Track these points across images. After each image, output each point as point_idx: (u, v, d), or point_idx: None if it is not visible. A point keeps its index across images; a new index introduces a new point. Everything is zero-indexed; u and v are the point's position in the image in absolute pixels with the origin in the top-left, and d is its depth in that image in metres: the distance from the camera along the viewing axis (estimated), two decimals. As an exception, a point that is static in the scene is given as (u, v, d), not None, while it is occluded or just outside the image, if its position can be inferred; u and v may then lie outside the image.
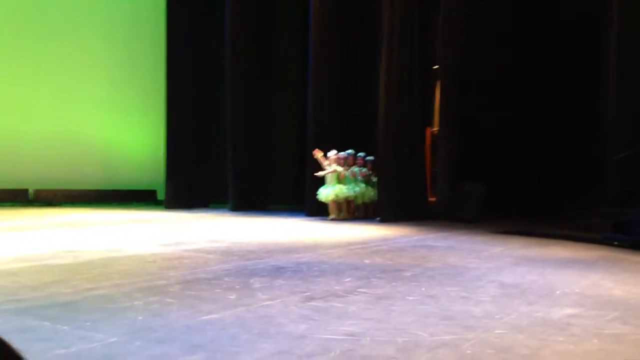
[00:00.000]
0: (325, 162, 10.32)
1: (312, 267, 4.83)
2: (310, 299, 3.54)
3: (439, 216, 10.46)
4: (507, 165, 11.52)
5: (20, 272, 4.30)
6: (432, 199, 11.91)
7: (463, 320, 3.08)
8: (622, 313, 3.31)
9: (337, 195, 10.21)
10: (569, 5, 11.67)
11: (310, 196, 10.79)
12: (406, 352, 2.50)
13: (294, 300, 3.48)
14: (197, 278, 4.17)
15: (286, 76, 14.24)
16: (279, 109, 14.04)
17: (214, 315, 3.07)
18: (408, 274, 4.54)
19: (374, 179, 10.71)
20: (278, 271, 4.54)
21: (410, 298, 3.62)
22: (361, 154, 10.72)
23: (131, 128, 15.82)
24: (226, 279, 4.17)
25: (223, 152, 13.05)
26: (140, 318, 2.99)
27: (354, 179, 10.47)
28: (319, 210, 10.51)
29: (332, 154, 10.32)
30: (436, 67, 11.99)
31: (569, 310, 3.34)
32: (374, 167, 10.74)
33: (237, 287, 3.87)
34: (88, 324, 2.86)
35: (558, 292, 3.93)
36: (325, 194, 10.29)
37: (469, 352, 2.51)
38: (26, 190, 13.98)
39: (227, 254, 5.52)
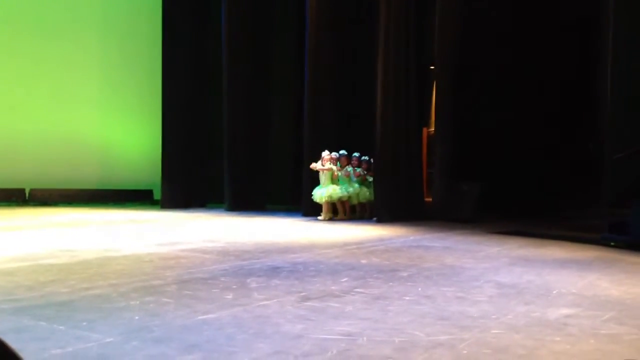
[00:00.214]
0: (318, 164, 10.30)
1: (308, 267, 4.82)
2: (307, 299, 3.53)
3: (436, 216, 10.47)
4: (503, 166, 11.53)
5: (17, 272, 4.29)
6: (429, 199, 11.92)
7: (459, 320, 3.08)
8: (618, 313, 3.32)
9: (330, 196, 10.19)
10: (568, 5, 11.70)
11: (307, 196, 10.78)
12: (403, 352, 2.50)
13: (291, 300, 3.47)
14: (194, 278, 4.16)
15: (283, 76, 14.23)
16: (275, 108, 14.03)
17: (210, 315, 3.07)
18: (404, 274, 4.54)
19: (369, 179, 10.70)
20: (274, 271, 4.54)
21: (407, 298, 3.62)
22: (356, 154, 10.68)
23: (127, 128, 15.79)
24: (223, 278, 4.16)
25: (219, 152, 13.04)
26: (136, 318, 2.99)
27: (348, 179, 10.45)
28: (316, 211, 10.50)
29: (325, 154, 10.29)
30: (433, 67, 12.00)
31: (565, 311, 3.35)
32: (369, 167, 10.74)
33: (234, 287, 3.86)
34: (84, 323, 2.85)
35: (555, 292, 3.93)
36: (320, 194, 10.26)
37: (465, 352, 2.51)
38: (23, 190, 13.95)
39: (224, 254, 5.52)
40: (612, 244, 6.88)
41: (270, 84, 13.80)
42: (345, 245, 6.49)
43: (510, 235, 7.93)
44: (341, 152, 10.52)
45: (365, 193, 10.60)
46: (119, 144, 15.62)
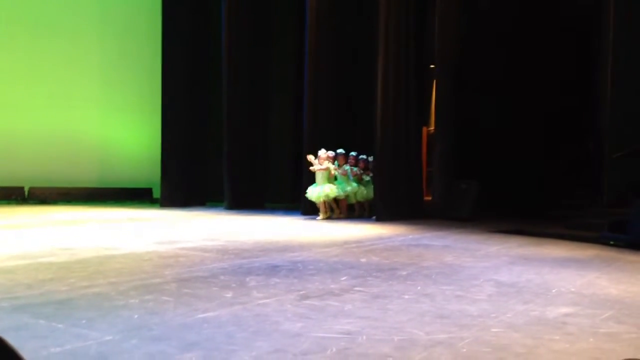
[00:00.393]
0: (315, 162, 10.23)
1: (307, 265, 4.82)
2: (306, 297, 3.53)
3: (435, 215, 10.48)
4: (503, 165, 11.55)
5: (16, 270, 4.29)
6: (428, 198, 11.93)
7: (459, 319, 3.08)
8: (617, 312, 3.32)
9: (327, 196, 10.13)
10: (568, 5, 11.70)
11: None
12: (402, 350, 2.50)
13: (290, 299, 3.47)
14: (193, 276, 4.16)
15: (282, 75, 14.25)
16: (275, 107, 14.04)
17: (210, 314, 3.07)
18: (404, 272, 4.54)
19: (366, 178, 10.69)
20: (274, 270, 4.54)
21: (406, 297, 3.62)
22: (353, 152, 10.65)
23: (127, 126, 15.79)
24: (222, 277, 4.16)
25: (219, 150, 13.04)
26: (136, 316, 2.98)
27: (346, 177, 10.42)
28: (315, 209, 10.50)
29: (322, 152, 10.24)
30: (433, 66, 12.01)
31: (564, 309, 3.35)
32: (366, 166, 10.73)
33: (233, 285, 3.86)
34: (83, 321, 2.85)
35: (554, 291, 3.94)
36: (316, 193, 10.19)
37: (464, 350, 2.51)
38: (22, 188, 13.95)
39: (223, 252, 5.52)
40: (611, 243, 6.89)
41: (269, 83, 13.81)
42: (344, 243, 6.49)
43: (509, 234, 7.94)
44: (339, 151, 10.47)
45: (363, 192, 10.59)
46: (118, 143, 15.62)
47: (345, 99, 11.95)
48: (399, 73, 10.29)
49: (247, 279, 4.09)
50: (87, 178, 14.98)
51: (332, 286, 3.91)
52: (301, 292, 3.67)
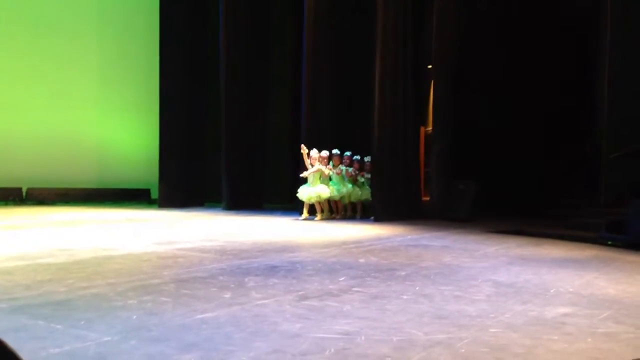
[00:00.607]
0: (307, 161, 10.20)
1: (306, 266, 4.82)
2: (305, 297, 3.53)
3: (433, 215, 10.48)
4: (501, 165, 11.56)
5: (14, 271, 4.28)
6: (426, 198, 11.94)
7: (457, 319, 3.08)
8: (615, 312, 3.33)
9: (319, 197, 10.09)
10: (567, 5, 11.72)
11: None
12: (401, 351, 2.50)
13: (289, 299, 3.47)
14: (192, 277, 4.16)
15: (280, 75, 14.24)
16: (273, 107, 14.04)
17: (208, 314, 3.06)
18: (402, 273, 4.54)
19: (361, 179, 10.68)
20: (272, 270, 4.54)
21: (405, 297, 3.62)
22: (347, 152, 10.61)
23: (125, 127, 15.79)
24: (221, 277, 4.16)
25: (217, 151, 13.04)
26: (134, 317, 2.98)
27: (341, 178, 10.39)
28: (313, 210, 10.50)
29: (314, 152, 10.19)
30: (430, 66, 12.02)
31: (563, 309, 3.35)
32: (361, 167, 10.72)
33: (232, 286, 3.86)
34: (82, 322, 2.85)
35: (552, 291, 3.94)
36: (307, 194, 10.13)
37: (463, 351, 2.52)
38: (20, 189, 13.93)
39: (222, 253, 5.52)
40: (609, 243, 6.90)
41: (267, 83, 13.82)
42: (343, 244, 6.49)
43: (507, 235, 7.95)
44: (334, 151, 10.41)
45: (357, 193, 10.57)
46: (116, 143, 15.61)
47: (343, 99, 11.95)
48: (397, 73, 10.30)
49: (246, 280, 4.09)
50: (86, 179, 14.98)
51: (331, 287, 3.91)
52: (300, 293, 3.67)
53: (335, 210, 10.51)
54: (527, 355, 2.48)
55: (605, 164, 9.08)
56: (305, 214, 10.17)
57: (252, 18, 13.13)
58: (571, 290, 3.99)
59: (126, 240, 6.47)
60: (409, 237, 7.42)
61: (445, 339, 2.70)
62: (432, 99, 11.88)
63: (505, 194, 11.25)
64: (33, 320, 2.87)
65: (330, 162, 10.31)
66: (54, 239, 6.47)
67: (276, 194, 13.79)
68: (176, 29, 13.43)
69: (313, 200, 10.07)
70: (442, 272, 4.64)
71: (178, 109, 13.35)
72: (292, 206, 11.87)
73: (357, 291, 3.78)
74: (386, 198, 10.04)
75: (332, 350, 2.48)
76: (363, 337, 2.69)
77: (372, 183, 10.31)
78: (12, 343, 1.42)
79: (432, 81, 11.84)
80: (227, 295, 3.57)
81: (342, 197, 10.44)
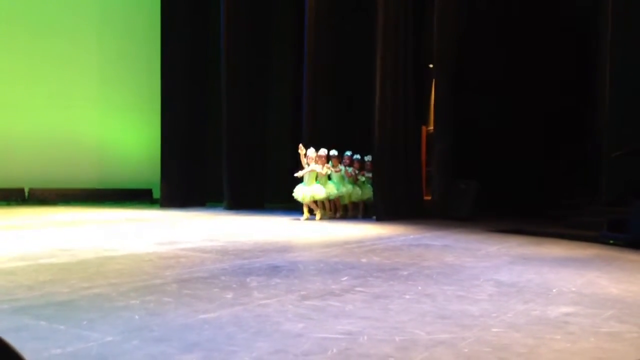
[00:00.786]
0: (304, 161, 10.15)
1: (308, 266, 4.82)
2: (307, 297, 3.53)
3: (434, 215, 10.48)
4: (502, 164, 11.55)
5: (17, 271, 4.28)
6: (428, 198, 11.93)
7: (460, 318, 3.08)
8: (618, 311, 3.32)
9: (313, 197, 10.06)
10: (567, 5, 11.71)
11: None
12: (403, 350, 2.50)
13: (291, 299, 3.47)
14: (194, 277, 4.16)
15: (281, 75, 14.25)
16: (274, 107, 14.04)
17: (210, 314, 3.06)
18: (405, 272, 4.54)
19: (362, 179, 10.66)
20: (274, 270, 4.53)
21: (407, 297, 3.62)
22: (347, 152, 10.59)
23: (126, 127, 15.80)
24: (222, 277, 4.16)
25: (218, 150, 13.04)
26: (136, 317, 2.98)
27: (341, 178, 10.35)
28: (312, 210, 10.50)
29: (311, 152, 10.15)
30: (431, 66, 12.01)
31: (565, 309, 3.35)
32: (361, 166, 10.71)
33: (234, 286, 3.86)
34: (84, 323, 2.85)
35: (554, 290, 3.94)
36: (302, 194, 10.09)
37: (466, 350, 2.51)
38: (22, 189, 13.95)
39: (223, 253, 5.52)
40: (611, 242, 6.89)
41: (268, 83, 13.81)
42: (345, 244, 6.48)
43: (509, 234, 7.94)
44: (332, 152, 10.38)
45: (358, 192, 10.55)
46: (117, 143, 15.62)
47: (344, 99, 11.95)
48: (398, 72, 10.29)
49: (248, 280, 4.09)
50: (87, 179, 14.98)
51: (333, 286, 3.91)
52: (302, 293, 3.67)
53: (333, 209, 10.49)
54: (530, 354, 2.48)
55: (606, 164, 9.08)
56: (306, 214, 10.16)
57: (253, 18, 13.13)
58: (573, 289, 3.98)
59: (128, 241, 6.47)
60: (411, 236, 7.42)
61: (448, 338, 2.69)
62: (434, 99, 11.87)
63: (505, 194, 11.24)
64: (35, 321, 2.87)
65: (330, 162, 10.28)
66: (55, 239, 6.47)
67: (277, 194, 13.79)
68: (177, 29, 13.43)
69: (307, 201, 10.03)
70: (444, 271, 4.63)
71: (179, 109, 13.36)
72: (294, 206, 11.85)
73: (360, 291, 3.78)
74: (388, 198, 10.04)
75: (335, 350, 2.48)
76: (365, 337, 2.68)
77: (374, 183, 10.31)
78: (14, 343, 1.42)
79: (433, 81, 11.83)
80: (229, 295, 3.57)
81: (341, 197, 10.43)
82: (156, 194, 14.52)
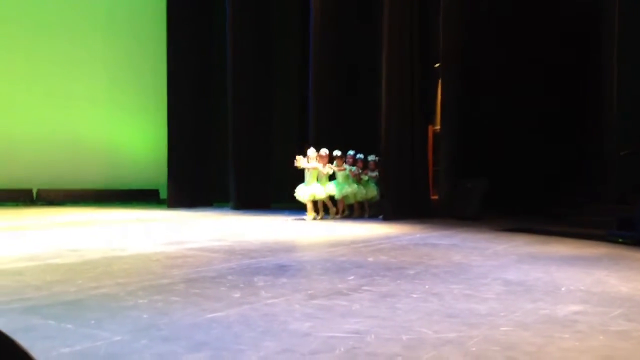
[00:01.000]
0: (302, 163, 10.09)
1: (315, 265, 4.82)
2: (314, 297, 3.53)
3: (441, 214, 10.46)
4: (509, 163, 11.52)
5: (25, 271, 4.30)
6: (434, 197, 11.91)
7: (468, 317, 3.07)
8: (627, 310, 3.30)
9: (313, 196, 10.04)
10: (572, 5, 11.67)
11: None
12: (411, 349, 2.49)
13: (298, 299, 3.47)
14: (201, 277, 4.17)
15: (287, 76, 14.26)
16: (280, 107, 14.05)
17: (218, 314, 3.07)
18: (412, 271, 4.53)
19: (365, 178, 10.65)
20: (281, 269, 4.54)
21: (415, 296, 3.61)
22: (351, 152, 10.57)
23: (133, 127, 15.85)
24: (230, 277, 4.16)
25: (225, 151, 13.07)
26: (145, 316, 2.99)
27: (346, 177, 10.33)
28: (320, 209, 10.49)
29: (311, 152, 10.11)
30: (438, 65, 11.99)
31: (574, 307, 3.33)
32: (365, 166, 10.70)
33: (241, 285, 3.86)
34: (93, 322, 2.86)
35: (563, 289, 3.92)
36: (302, 193, 10.08)
37: (474, 349, 2.51)
38: (30, 190, 14.01)
39: (231, 252, 5.52)
40: (619, 240, 6.86)
41: (274, 84, 13.82)
42: (352, 243, 6.48)
43: (516, 233, 7.92)
44: (335, 152, 10.35)
45: (362, 192, 10.54)
46: (125, 144, 15.67)
47: (350, 99, 11.94)
48: (404, 72, 10.27)
49: (255, 279, 4.09)
50: (95, 179, 15.05)
51: (340, 286, 3.91)
52: (309, 292, 3.67)
53: (341, 210, 10.48)
54: (538, 353, 2.47)
55: (614, 163, 9.04)
56: (311, 214, 10.15)
57: (258, 20, 13.15)
58: (582, 288, 3.96)
59: (135, 241, 6.49)
60: (418, 235, 7.41)
61: (456, 337, 2.69)
62: (440, 98, 11.85)
63: (513, 193, 11.21)
64: (44, 320, 2.88)
65: (334, 162, 10.29)
66: (63, 240, 6.49)
67: (283, 194, 13.79)
68: (183, 30, 13.47)
69: (306, 200, 10.03)
70: (451, 270, 4.62)
71: (186, 110, 13.39)
72: (300, 205, 11.87)
73: (367, 290, 3.77)
74: (395, 197, 10.03)
75: (342, 349, 2.48)
76: (373, 336, 2.68)
77: (381, 182, 10.29)
78: (23, 343, 1.43)
79: (440, 80, 11.81)
80: (237, 294, 3.57)
81: (346, 197, 10.42)
82: (163, 194, 14.56)
